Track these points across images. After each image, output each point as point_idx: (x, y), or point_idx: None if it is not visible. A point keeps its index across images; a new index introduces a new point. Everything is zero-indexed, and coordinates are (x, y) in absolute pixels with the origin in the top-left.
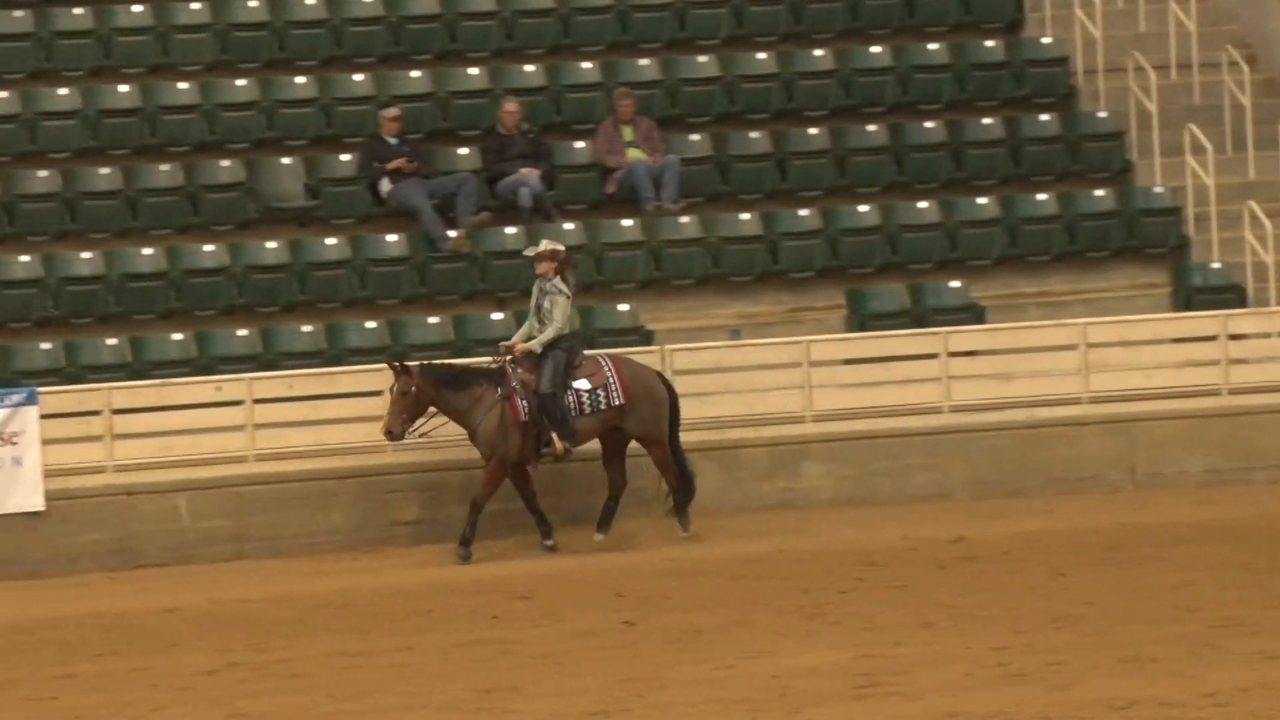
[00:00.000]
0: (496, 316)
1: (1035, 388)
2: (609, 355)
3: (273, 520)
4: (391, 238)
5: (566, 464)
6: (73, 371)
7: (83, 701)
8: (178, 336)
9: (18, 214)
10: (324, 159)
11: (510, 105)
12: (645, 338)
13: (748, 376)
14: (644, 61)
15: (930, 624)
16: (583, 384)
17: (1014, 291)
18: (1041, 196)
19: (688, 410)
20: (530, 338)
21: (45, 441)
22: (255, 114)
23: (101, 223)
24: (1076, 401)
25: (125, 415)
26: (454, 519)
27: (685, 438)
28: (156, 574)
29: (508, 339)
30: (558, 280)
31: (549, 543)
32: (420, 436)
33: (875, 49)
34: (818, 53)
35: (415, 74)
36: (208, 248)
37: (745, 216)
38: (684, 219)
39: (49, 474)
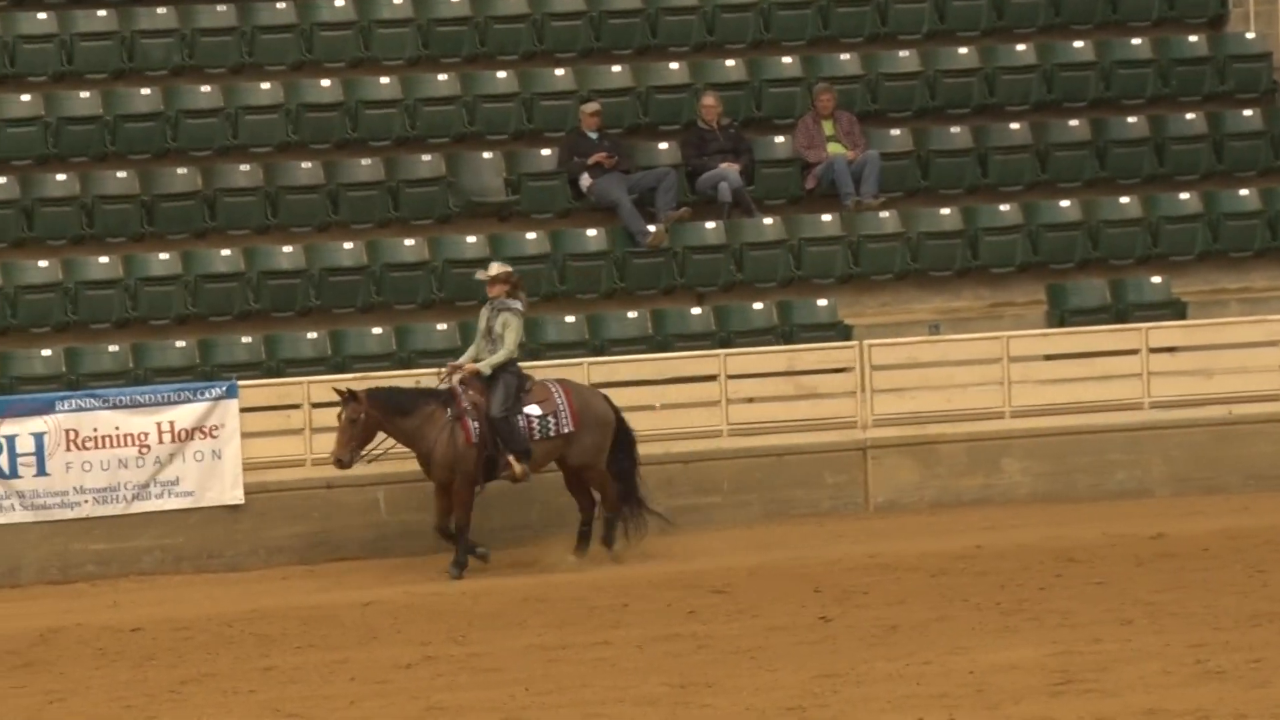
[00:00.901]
0: (695, 312)
1: (1235, 384)
2: (559, 381)
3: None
4: (591, 232)
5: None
6: (273, 365)
7: (281, 694)
8: (377, 330)
9: (219, 208)
10: (524, 153)
11: (710, 100)
12: (844, 333)
13: (947, 372)
14: (845, 56)
15: (1128, 621)
16: (534, 409)
17: (1215, 287)
18: (1244, 192)
19: (886, 405)
20: (478, 359)
21: (245, 435)
22: (456, 108)
23: (302, 217)
24: (1276, 398)
25: (324, 409)
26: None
27: (882, 434)
28: (355, 567)
29: (704, 334)
30: (513, 303)
31: (455, 571)
32: (369, 461)
33: (1078, 44)
34: (1019, 47)
35: (616, 69)
36: (408, 242)
37: (945, 211)
38: (884, 214)
39: (249, 467)
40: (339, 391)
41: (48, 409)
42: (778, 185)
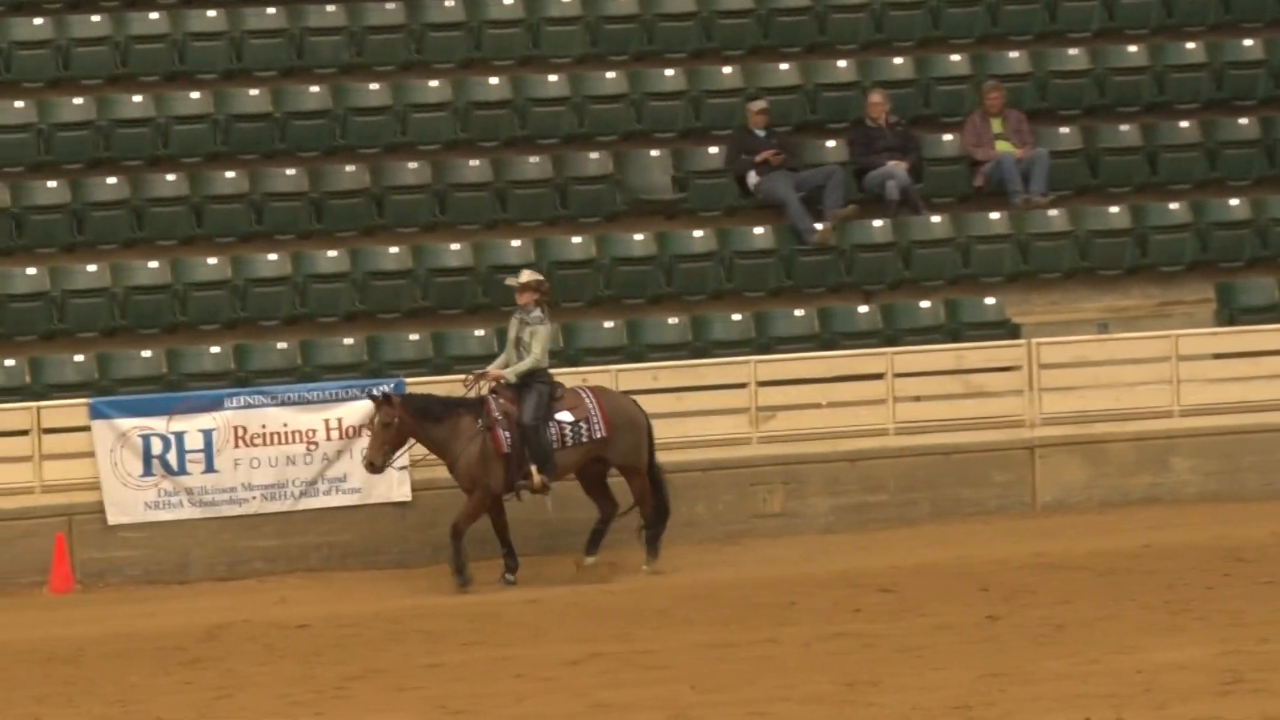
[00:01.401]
0: (863, 309)
1: None
2: (590, 387)
3: (637, 511)
4: (758, 230)
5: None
6: (440, 362)
7: (448, 691)
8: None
9: (387, 206)
10: (692, 151)
11: (878, 98)
12: (1012, 331)
13: (1115, 370)
14: (1014, 54)
15: None
16: (565, 416)
17: None
18: None
19: (1054, 404)
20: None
21: None
22: (624, 106)
23: (470, 215)
24: None
25: None
26: (817, 512)
27: (1050, 432)
28: (521, 564)
29: (871, 333)
30: (538, 311)
31: (510, 577)
32: (400, 469)
33: (1247, 42)
34: (1189, 45)
35: (784, 66)
36: (575, 239)
37: (1114, 210)
38: (1052, 212)
39: (416, 464)
40: (373, 396)
41: (216, 406)
42: (946, 183)
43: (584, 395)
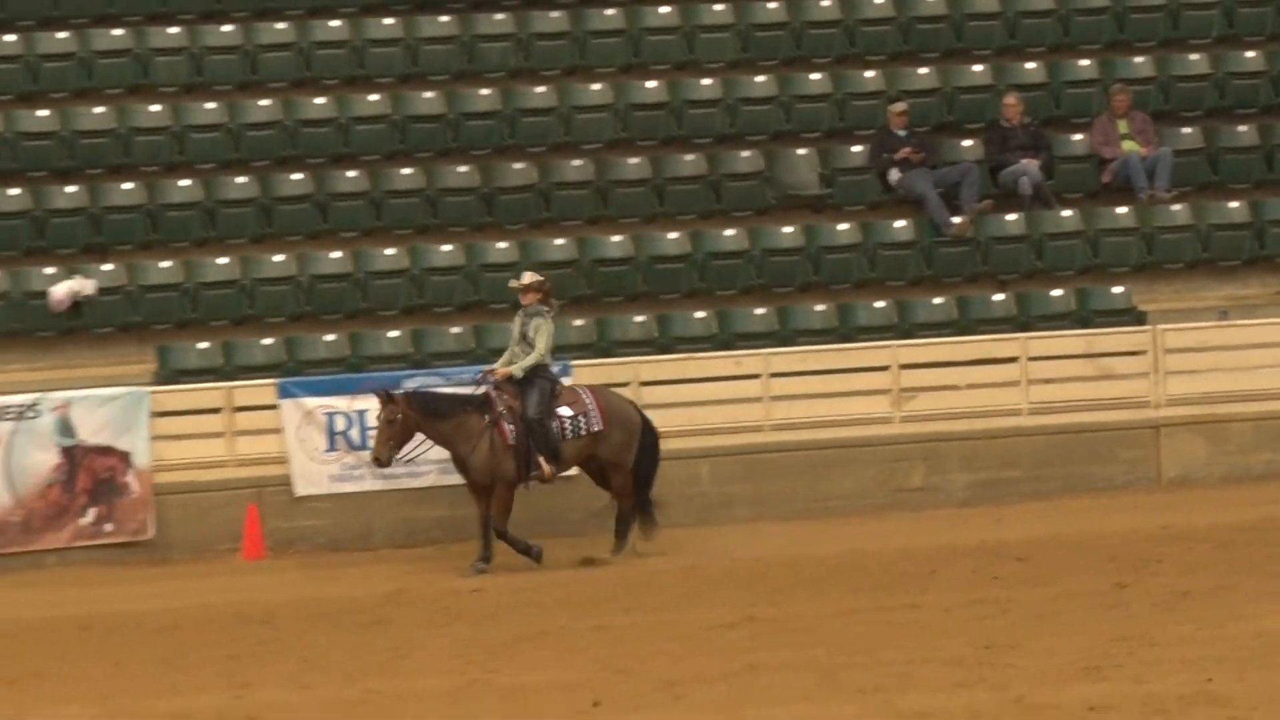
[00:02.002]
0: (997, 298)
1: None
2: (588, 386)
3: (788, 485)
4: (899, 223)
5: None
6: (604, 346)
7: (611, 652)
8: (700, 314)
9: (554, 201)
10: (837, 150)
11: (1012, 99)
12: (1138, 318)
13: (1235, 355)
14: (1139, 59)
15: None
16: (565, 410)
17: None
18: None
19: (1177, 386)
20: (512, 364)
21: None
22: (773, 108)
23: (630, 209)
24: None
25: (651, 387)
26: (956, 486)
27: (1174, 413)
28: (679, 534)
29: (1006, 319)
30: (543, 309)
31: (482, 565)
32: (407, 462)
33: None
34: None
35: (923, 70)
36: (728, 232)
37: (1234, 204)
38: (1175, 206)
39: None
40: (378, 394)
41: (395, 386)
42: (1075, 179)
43: (582, 392)
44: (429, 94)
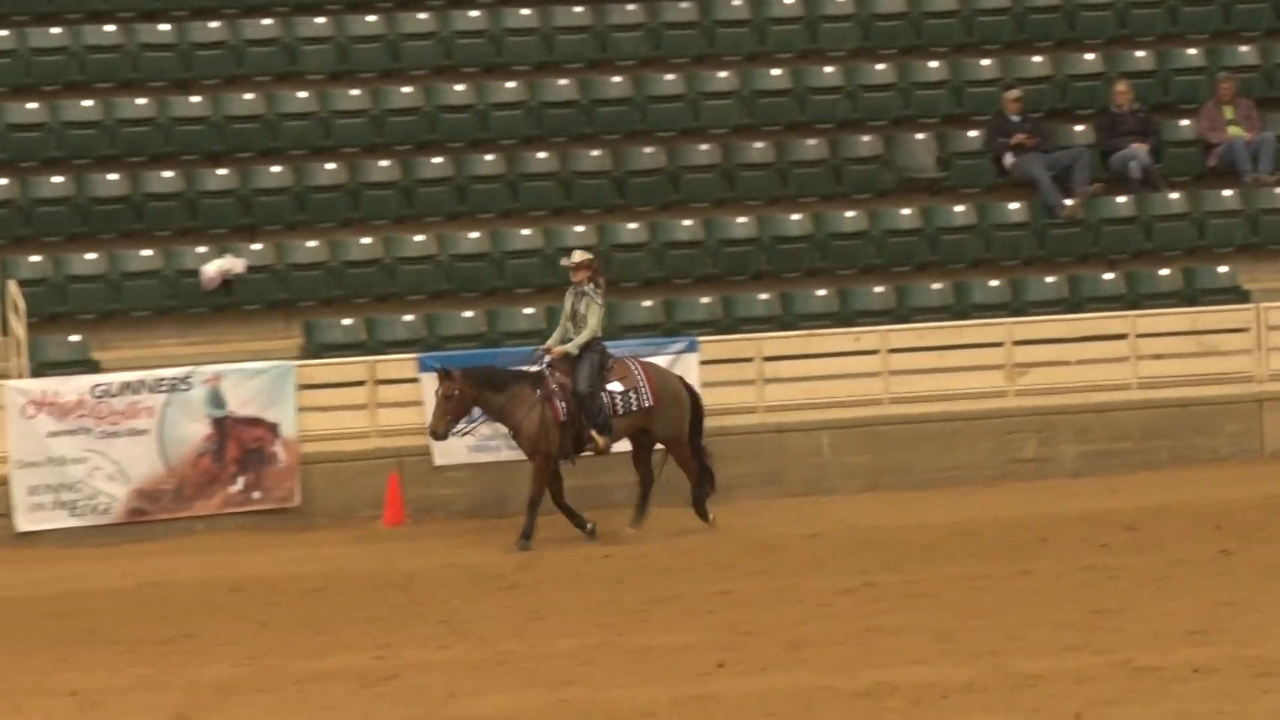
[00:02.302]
0: (1107, 277)
1: None
2: (638, 360)
3: (905, 456)
4: (1013, 205)
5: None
6: (728, 323)
7: (736, 615)
8: (821, 293)
9: (681, 184)
10: (954, 135)
11: (1122, 86)
12: (1241, 297)
13: None
14: (1244, 48)
15: None
16: (616, 386)
17: None
18: None
19: None
20: (564, 341)
21: (704, 384)
22: (893, 95)
23: (755, 191)
24: None
25: (775, 362)
26: (1067, 458)
27: (1276, 387)
28: (801, 503)
29: (1115, 297)
30: (591, 287)
31: (590, 526)
32: (463, 435)
33: None
34: None
35: (1037, 59)
36: (849, 214)
37: None
38: (1278, 189)
39: (707, 412)
40: (436, 370)
41: (530, 360)
42: (1183, 163)
43: (633, 367)
44: (563, 81)
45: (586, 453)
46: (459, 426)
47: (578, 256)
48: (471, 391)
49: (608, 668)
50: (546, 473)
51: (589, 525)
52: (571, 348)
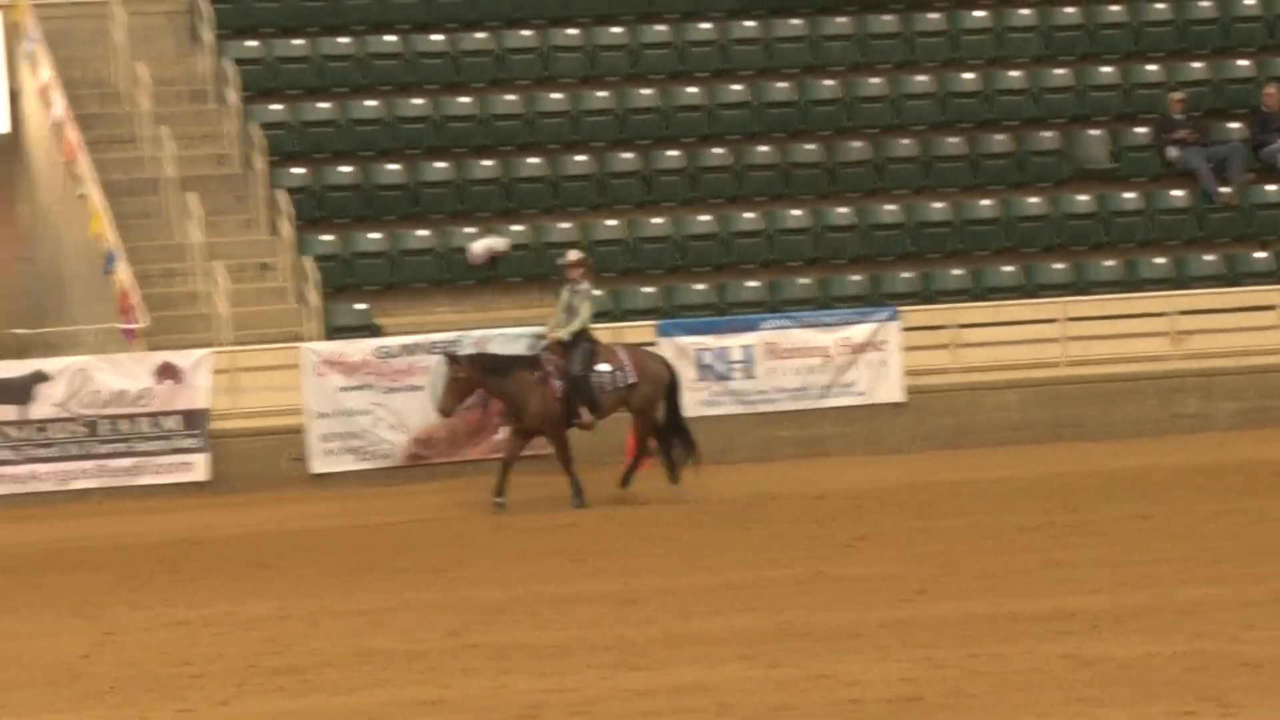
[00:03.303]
0: (1259, 255)
1: None
2: (625, 346)
3: (1081, 412)
4: (1177, 193)
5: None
6: (926, 295)
7: (933, 550)
8: (1008, 268)
9: (885, 172)
10: (1125, 131)
11: (1271, 89)
12: None
13: None
14: None
15: None
16: (604, 367)
17: None
18: None
19: None
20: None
21: (905, 349)
22: (1071, 96)
23: (950, 179)
24: None
25: (967, 329)
26: (1223, 414)
27: None
28: (990, 453)
29: (1268, 274)
30: (585, 284)
31: (577, 501)
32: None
33: None
34: None
35: (1197, 65)
36: (1033, 200)
37: None
38: None
39: (908, 374)
40: (445, 355)
41: (754, 327)
42: None
43: (619, 352)
44: (781, 84)
45: (575, 424)
46: (465, 404)
47: (572, 256)
48: (476, 375)
49: (821, 594)
50: (563, 436)
51: (501, 500)
52: (565, 334)
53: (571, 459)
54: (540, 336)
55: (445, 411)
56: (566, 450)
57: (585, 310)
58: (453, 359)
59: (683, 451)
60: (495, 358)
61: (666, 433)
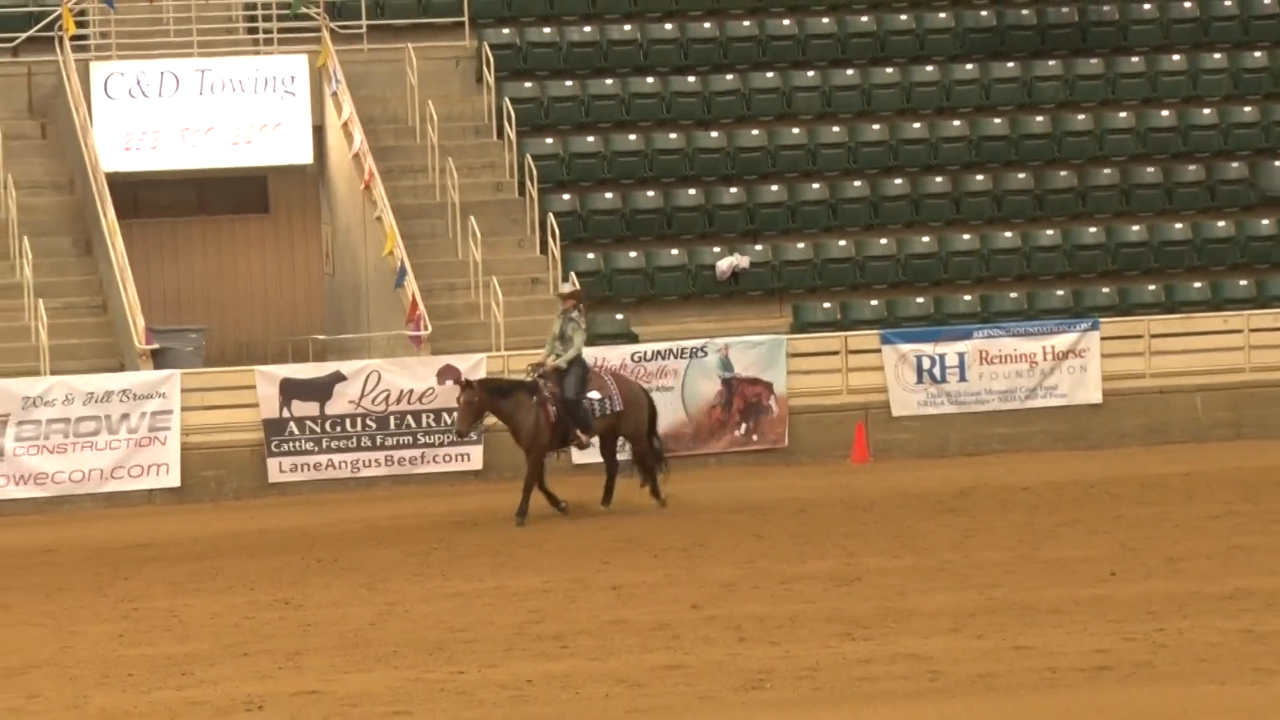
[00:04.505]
0: None
1: None
2: (609, 372)
3: (1262, 413)
4: None
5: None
6: (1124, 308)
7: (1125, 535)
8: (1197, 284)
9: (1089, 200)
10: None
11: None
12: None
13: None
14: None
15: None
16: (594, 394)
17: None
18: None
19: None
20: (553, 356)
21: (1104, 356)
22: (1257, 130)
23: (1148, 205)
24: None
25: (1159, 339)
26: None
27: None
28: (1179, 449)
29: None
30: (576, 313)
31: (563, 505)
32: (480, 433)
33: None
34: None
35: None
36: (1220, 224)
37: None
38: None
39: (1105, 378)
40: (458, 381)
41: (968, 336)
42: None
43: (607, 379)
44: (997, 120)
45: (571, 445)
46: (476, 425)
47: (567, 288)
48: (485, 399)
49: (1025, 574)
50: (540, 463)
51: (563, 504)
52: (561, 362)
53: (533, 484)
54: (537, 365)
55: (461, 433)
56: (538, 473)
57: (578, 338)
58: (466, 384)
59: (657, 470)
60: (502, 382)
61: (643, 454)
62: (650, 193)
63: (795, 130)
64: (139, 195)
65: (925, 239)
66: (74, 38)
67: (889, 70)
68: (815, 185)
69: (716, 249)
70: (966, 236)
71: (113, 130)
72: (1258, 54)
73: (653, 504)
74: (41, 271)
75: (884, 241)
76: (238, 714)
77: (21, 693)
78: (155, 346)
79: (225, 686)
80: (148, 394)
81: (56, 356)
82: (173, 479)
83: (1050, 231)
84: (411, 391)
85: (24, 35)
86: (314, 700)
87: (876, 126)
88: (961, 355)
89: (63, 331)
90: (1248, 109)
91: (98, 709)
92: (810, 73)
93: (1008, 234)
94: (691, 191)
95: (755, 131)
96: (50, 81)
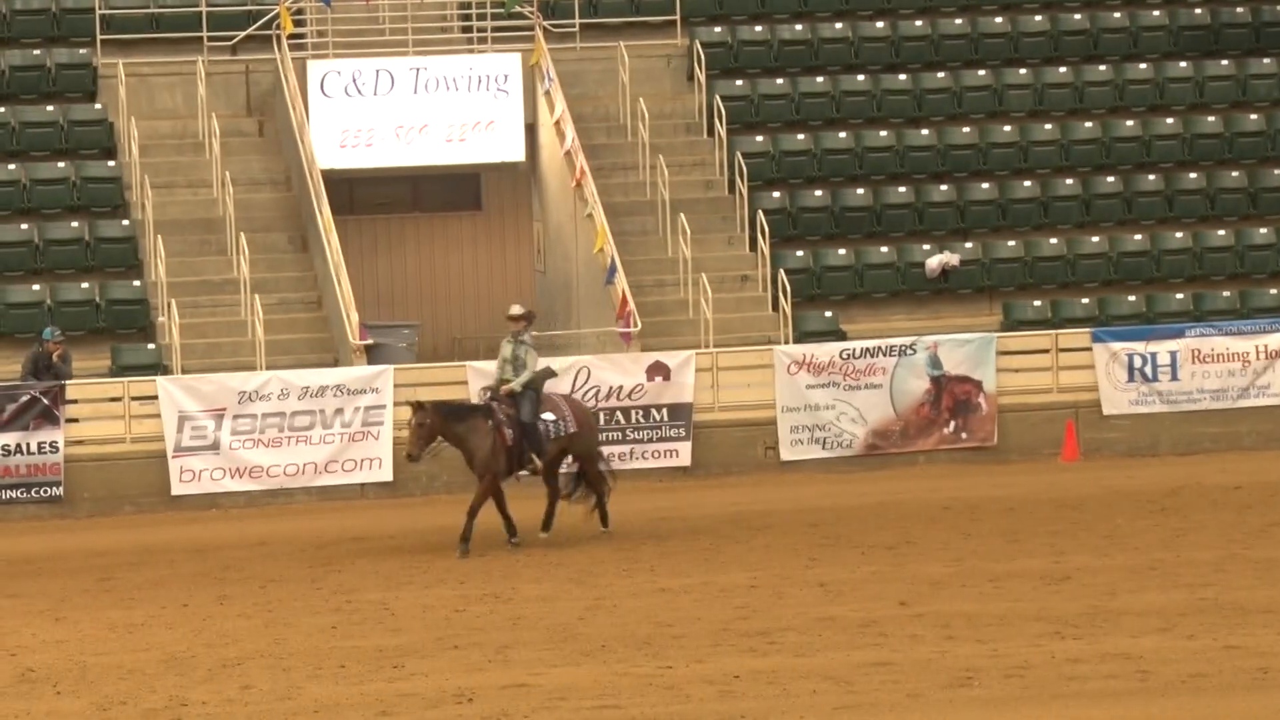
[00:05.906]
0: None
1: None
2: (563, 395)
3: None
4: None
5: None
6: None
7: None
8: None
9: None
10: None
11: None
12: None
13: None
14: None
15: None
16: (549, 416)
17: None
18: None
19: None
20: (503, 381)
21: None
22: None
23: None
24: None
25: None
26: None
27: None
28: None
29: None
30: (526, 336)
31: (514, 540)
32: (433, 457)
33: None
34: None
35: None
36: None
37: None
38: None
39: None
40: (410, 403)
41: (1180, 335)
42: None
43: (559, 401)
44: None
45: (523, 472)
46: (428, 449)
47: (515, 310)
48: (438, 421)
49: (1236, 574)
50: (492, 488)
51: (515, 539)
52: (516, 385)
53: (480, 507)
54: (490, 389)
55: (412, 456)
56: (486, 499)
57: (531, 360)
58: (418, 406)
59: (603, 491)
60: (456, 405)
61: (594, 477)
62: (860, 190)
63: (1007, 128)
64: (354, 192)
65: (1137, 237)
66: (291, 36)
67: (1101, 68)
68: (1026, 183)
69: (926, 246)
70: (1179, 235)
71: (328, 128)
72: None
73: (600, 530)
74: (258, 267)
75: (1095, 239)
76: (448, 706)
77: (236, 684)
78: (369, 342)
79: (436, 679)
80: (361, 389)
81: (272, 352)
82: (385, 473)
83: (1264, 230)
84: (621, 387)
85: (242, 34)
86: (523, 693)
87: (1089, 125)
88: (1173, 354)
89: (278, 327)
90: None
91: (310, 700)
92: (1022, 70)
93: (1220, 232)
94: (901, 189)
95: (966, 129)
96: (268, 80)
